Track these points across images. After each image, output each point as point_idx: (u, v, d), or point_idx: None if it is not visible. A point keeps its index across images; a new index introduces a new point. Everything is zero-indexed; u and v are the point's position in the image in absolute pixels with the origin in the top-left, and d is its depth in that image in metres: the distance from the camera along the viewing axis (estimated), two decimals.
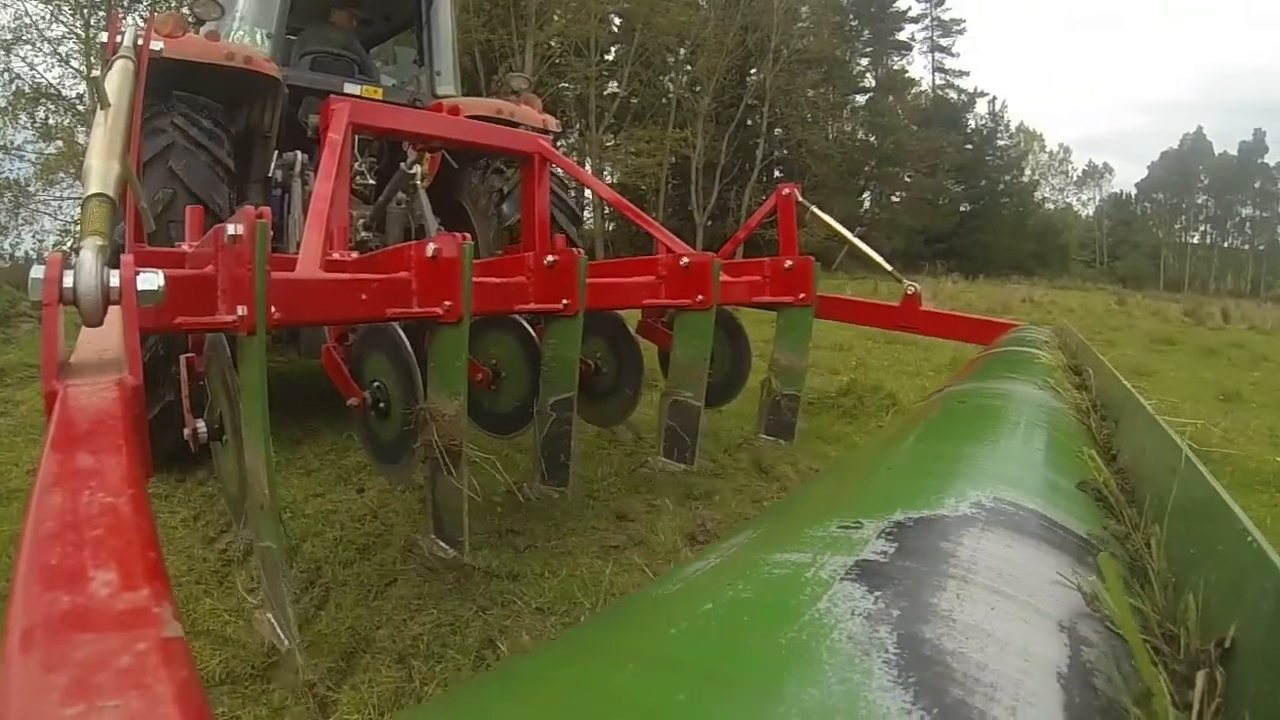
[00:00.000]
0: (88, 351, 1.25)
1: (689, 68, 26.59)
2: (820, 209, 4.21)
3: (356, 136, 3.46)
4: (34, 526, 0.67)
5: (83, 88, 17.89)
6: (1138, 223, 65.16)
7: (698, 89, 26.88)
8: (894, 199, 39.01)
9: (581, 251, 2.68)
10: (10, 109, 17.92)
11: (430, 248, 2.10)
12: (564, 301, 2.63)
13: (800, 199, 4.04)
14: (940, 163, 37.77)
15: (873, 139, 37.30)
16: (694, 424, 3.28)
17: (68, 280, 1.15)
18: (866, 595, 0.58)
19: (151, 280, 1.23)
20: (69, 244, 18.06)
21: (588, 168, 24.11)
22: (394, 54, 5.79)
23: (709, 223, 26.67)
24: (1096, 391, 1.64)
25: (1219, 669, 0.55)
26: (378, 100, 4.10)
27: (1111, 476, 1.00)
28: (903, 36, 41.67)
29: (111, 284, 1.18)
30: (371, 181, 4.12)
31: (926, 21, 43.46)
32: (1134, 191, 68.64)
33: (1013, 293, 20.86)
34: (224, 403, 2.01)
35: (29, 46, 17.82)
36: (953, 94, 44.35)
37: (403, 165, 3.58)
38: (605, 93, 25.39)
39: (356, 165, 3.94)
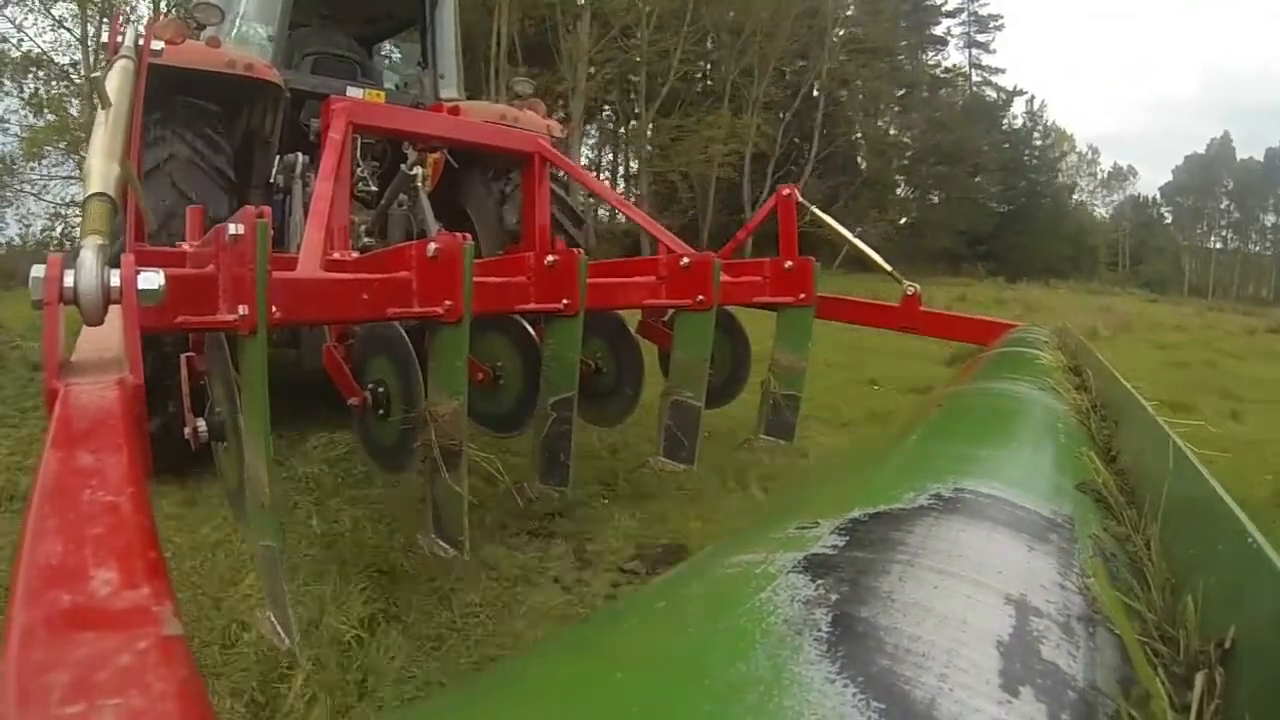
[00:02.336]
0: (88, 351, 1.25)
1: (742, 55, 25.71)
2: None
3: (359, 141, 3.45)
4: (35, 525, 0.67)
5: (77, 54, 16.48)
6: (1158, 226, 64.95)
7: (749, 78, 25.91)
8: (933, 198, 37.74)
9: (582, 251, 2.68)
10: None
11: (431, 247, 2.10)
12: (564, 301, 2.63)
13: (800, 199, 4.05)
14: (982, 162, 37.08)
15: (912, 137, 36.45)
16: (694, 424, 3.27)
17: (68, 279, 1.15)
18: (809, 584, 0.60)
19: (152, 279, 1.23)
20: (59, 229, 16.81)
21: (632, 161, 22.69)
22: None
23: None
24: (1096, 393, 1.64)
25: (1218, 670, 0.55)
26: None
27: (1111, 477, 1.00)
28: (938, 31, 40.67)
29: (112, 283, 1.18)
30: (374, 187, 4.11)
31: (963, 16, 41.84)
32: (1156, 195, 68.48)
33: (1090, 300, 19.96)
34: (224, 402, 2.01)
35: (17, 6, 15.90)
36: (990, 92, 43.11)
37: (403, 167, 3.57)
38: (659, 79, 24.38)
39: (359, 170, 3.93)
